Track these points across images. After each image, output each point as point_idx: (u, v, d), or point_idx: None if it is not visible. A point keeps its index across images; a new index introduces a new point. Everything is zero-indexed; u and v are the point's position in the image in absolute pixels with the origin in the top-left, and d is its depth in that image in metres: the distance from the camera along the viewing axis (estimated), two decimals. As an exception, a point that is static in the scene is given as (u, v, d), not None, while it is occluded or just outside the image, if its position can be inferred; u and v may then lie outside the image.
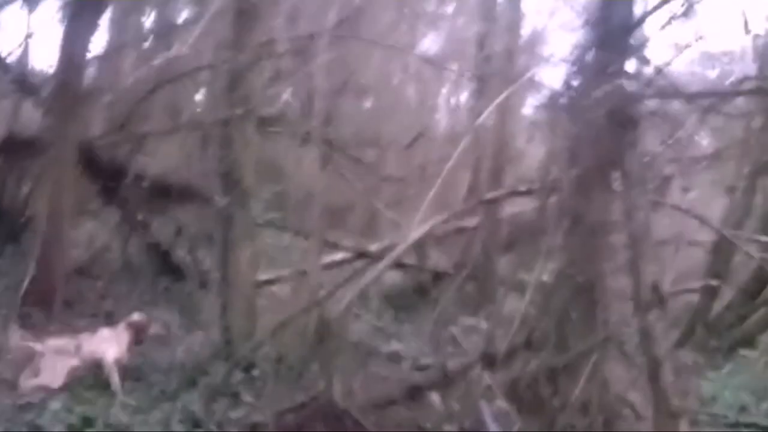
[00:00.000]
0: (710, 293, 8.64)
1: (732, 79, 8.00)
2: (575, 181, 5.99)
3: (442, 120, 9.15)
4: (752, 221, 8.39)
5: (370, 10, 9.06)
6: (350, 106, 9.19)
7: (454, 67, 9.17)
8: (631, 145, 5.44)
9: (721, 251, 8.52)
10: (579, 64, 6.25)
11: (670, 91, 6.07)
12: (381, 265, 6.83)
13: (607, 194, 5.85)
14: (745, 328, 8.41)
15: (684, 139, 7.57)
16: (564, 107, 6.20)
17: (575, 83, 6.17)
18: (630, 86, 5.72)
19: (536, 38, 9.25)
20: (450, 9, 10.19)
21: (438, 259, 8.50)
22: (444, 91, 9.67)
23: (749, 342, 8.70)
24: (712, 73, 9.56)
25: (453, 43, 9.66)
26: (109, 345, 6.70)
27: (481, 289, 7.93)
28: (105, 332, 6.89)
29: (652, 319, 5.19)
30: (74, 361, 6.57)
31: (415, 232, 6.75)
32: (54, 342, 6.69)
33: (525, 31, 9.21)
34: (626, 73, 6.02)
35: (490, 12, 8.84)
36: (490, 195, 6.84)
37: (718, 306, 8.85)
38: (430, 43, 10.33)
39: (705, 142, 8.52)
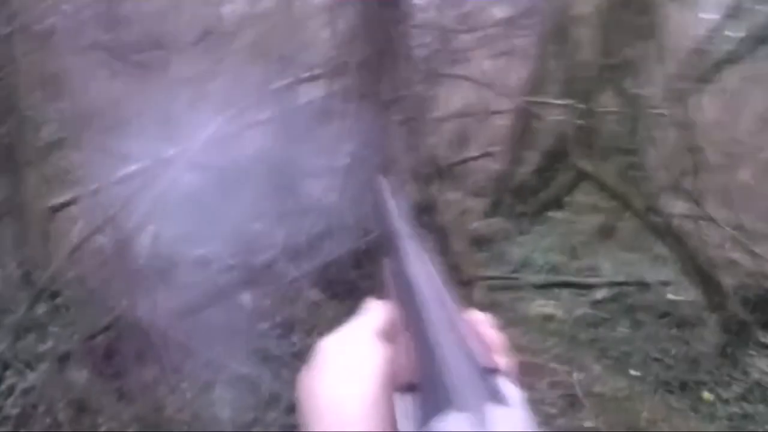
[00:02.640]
0: (513, 160, 8.84)
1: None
2: (362, 62, 5.91)
3: (233, 11, 8.77)
4: (553, 86, 8.55)
5: None
6: (131, 8, 8.69)
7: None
8: (397, 21, 5.36)
9: (522, 117, 8.67)
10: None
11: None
12: (170, 171, 6.59)
13: (393, 73, 5.81)
14: (551, 191, 8.68)
15: (476, 9, 7.60)
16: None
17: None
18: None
19: None
20: None
21: (241, 155, 8.29)
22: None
23: (557, 204, 9.03)
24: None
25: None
26: None
27: (281, 180, 7.82)
28: None
29: (433, 191, 5.24)
30: None
31: (205, 132, 6.54)
32: None
33: None
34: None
35: None
36: (276, 84, 6.65)
37: (525, 172, 9.07)
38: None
39: (505, 10, 8.56)
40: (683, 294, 7.65)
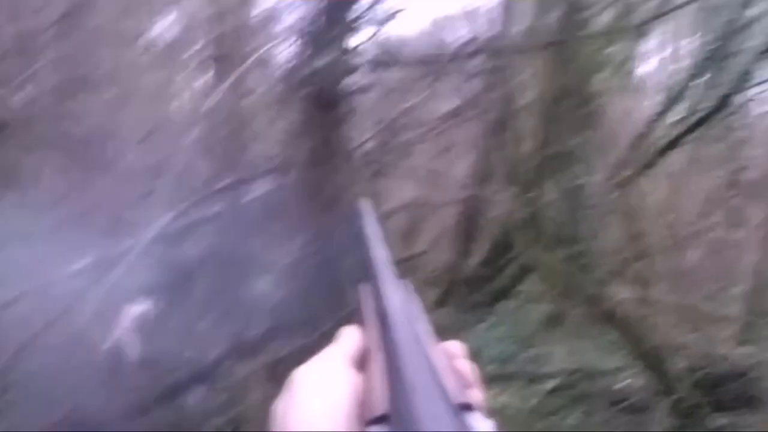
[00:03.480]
0: (463, 251, 8.91)
1: (463, 40, 8.20)
2: (305, 160, 5.99)
3: (184, 106, 8.87)
4: (497, 177, 8.68)
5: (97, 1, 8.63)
6: (84, 103, 8.75)
7: (191, 51, 8.88)
8: (340, 120, 5.46)
9: (468, 209, 8.76)
10: (301, 40, 6.23)
11: (386, 60, 6.12)
12: (120, 267, 6.57)
13: (335, 170, 5.88)
14: (501, 281, 8.73)
15: (420, 103, 7.74)
16: (290, 85, 6.16)
17: (297, 60, 6.15)
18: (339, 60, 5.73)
19: (270, 15, 9.11)
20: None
21: (193, 250, 8.29)
22: (181, 77, 9.37)
23: (507, 293, 9.07)
24: (451, 35, 9.75)
25: (189, 27, 9.37)
26: None
27: (234, 275, 7.82)
28: None
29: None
30: None
31: (152, 228, 6.55)
32: None
33: (258, 8, 9.03)
34: (341, 47, 6.04)
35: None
36: (224, 182, 6.71)
37: (474, 262, 9.12)
38: (165, 28, 9.99)
39: (448, 104, 8.71)
40: (635, 380, 7.66)
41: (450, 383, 0.66)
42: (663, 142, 8.66)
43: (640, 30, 9.00)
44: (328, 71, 5.70)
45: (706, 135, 9.89)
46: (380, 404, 0.67)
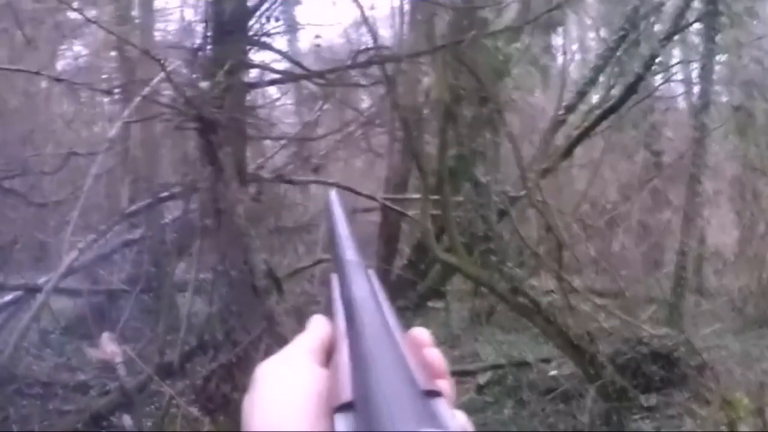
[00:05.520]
0: (386, 256, 8.92)
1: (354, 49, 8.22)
2: (210, 180, 5.98)
3: (97, 133, 8.78)
4: (411, 182, 8.77)
5: (2, 30, 8.52)
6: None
7: (101, 77, 8.81)
8: (219, 144, 5.46)
9: (386, 215, 8.78)
10: (192, 63, 6.23)
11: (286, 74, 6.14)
12: (39, 299, 6.52)
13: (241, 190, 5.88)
14: (428, 283, 8.76)
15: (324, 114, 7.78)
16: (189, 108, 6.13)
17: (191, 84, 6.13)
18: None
19: (174, 38, 9.06)
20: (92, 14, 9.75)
21: (112, 278, 8.24)
22: (88, 106, 9.28)
23: (435, 294, 9.12)
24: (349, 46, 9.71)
25: (97, 54, 9.28)
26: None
27: (157, 299, 7.80)
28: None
29: (271, 303, 5.32)
30: None
31: (66, 257, 6.50)
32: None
33: (161, 32, 8.98)
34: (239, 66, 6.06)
35: (125, 18, 8.55)
36: (131, 208, 6.68)
37: (398, 266, 9.15)
38: (75, 55, 9.90)
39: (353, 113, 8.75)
40: (564, 369, 7.77)
41: (416, 370, 0.65)
42: (576, 132, 8.77)
43: (547, 24, 9.15)
44: (226, 91, 5.71)
45: (620, 122, 10.09)
46: (345, 392, 0.65)
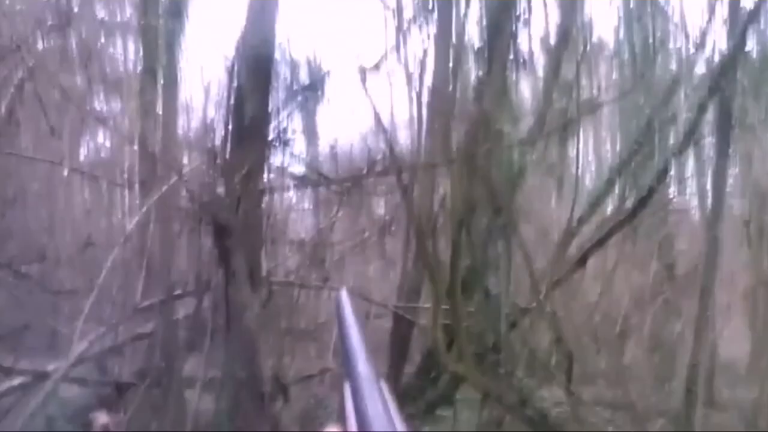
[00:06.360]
0: (396, 363, 8.88)
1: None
2: (223, 281, 6.03)
3: (115, 224, 8.89)
4: (423, 290, 8.76)
5: (27, 118, 8.73)
6: (13, 220, 8.78)
7: (120, 170, 8.94)
8: (232, 248, 5.53)
9: (398, 321, 8.77)
10: (211, 164, 6.34)
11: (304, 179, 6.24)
12: (46, 386, 6.54)
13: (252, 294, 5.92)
14: (437, 390, 8.69)
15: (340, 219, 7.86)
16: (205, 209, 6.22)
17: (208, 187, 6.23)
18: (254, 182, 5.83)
19: (195, 135, 9.20)
20: (117, 107, 9.98)
21: (121, 370, 8.23)
22: (108, 197, 9.40)
23: (444, 401, 9.01)
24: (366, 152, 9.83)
25: (119, 145, 9.44)
26: None
27: (167, 394, 7.76)
28: None
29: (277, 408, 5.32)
30: None
31: (76, 347, 6.53)
32: None
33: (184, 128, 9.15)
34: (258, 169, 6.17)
35: (148, 112, 8.72)
36: (144, 302, 6.74)
37: (409, 373, 9.09)
38: (98, 146, 10.11)
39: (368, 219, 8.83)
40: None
41: None
42: (589, 243, 8.80)
43: (561, 135, 9.27)
44: (242, 196, 5.80)
45: (633, 233, 10.11)
46: None
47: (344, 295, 1.10)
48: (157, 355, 7.61)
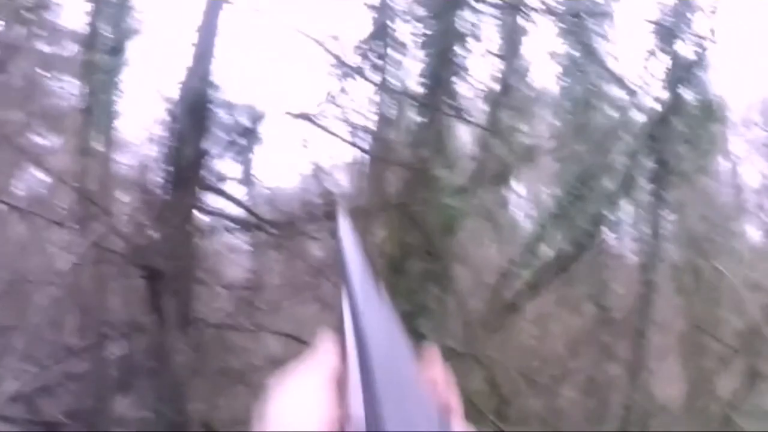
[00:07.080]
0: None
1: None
2: (155, 323, 6.01)
3: (49, 262, 8.77)
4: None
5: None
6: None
7: (60, 206, 8.85)
8: (163, 291, 5.54)
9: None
10: (147, 205, 6.34)
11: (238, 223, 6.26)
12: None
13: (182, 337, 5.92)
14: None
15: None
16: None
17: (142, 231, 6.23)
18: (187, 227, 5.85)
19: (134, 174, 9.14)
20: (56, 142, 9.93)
21: (51, 409, 8.09)
22: (43, 234, 9.28)
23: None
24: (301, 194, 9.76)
25: (56, 183, 9.36)
26: None
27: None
28: None
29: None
30: None
31: (7, 385, 6.43)
32: None
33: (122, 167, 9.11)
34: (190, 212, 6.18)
35: (86, 150, 8.67)
36: (76, 342, 6.68)
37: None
38: (35, 181, 10.00)
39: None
40: None
41: (426, 391, 0.68)
42: (525, 287, 8.90)
43: (499, 181, 9.41)
44: (176, 239, 5.81)
45: (570, 277, 10.24)
46: (355, 420, 0.66)
47: (341, 210, 1.13)
48: (88, 395, 7.51)
